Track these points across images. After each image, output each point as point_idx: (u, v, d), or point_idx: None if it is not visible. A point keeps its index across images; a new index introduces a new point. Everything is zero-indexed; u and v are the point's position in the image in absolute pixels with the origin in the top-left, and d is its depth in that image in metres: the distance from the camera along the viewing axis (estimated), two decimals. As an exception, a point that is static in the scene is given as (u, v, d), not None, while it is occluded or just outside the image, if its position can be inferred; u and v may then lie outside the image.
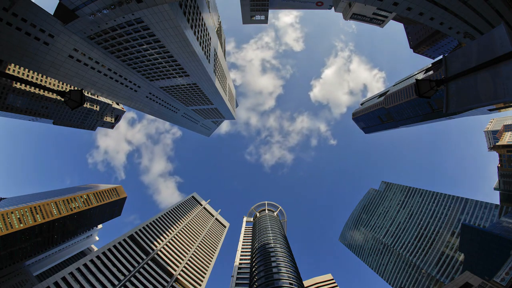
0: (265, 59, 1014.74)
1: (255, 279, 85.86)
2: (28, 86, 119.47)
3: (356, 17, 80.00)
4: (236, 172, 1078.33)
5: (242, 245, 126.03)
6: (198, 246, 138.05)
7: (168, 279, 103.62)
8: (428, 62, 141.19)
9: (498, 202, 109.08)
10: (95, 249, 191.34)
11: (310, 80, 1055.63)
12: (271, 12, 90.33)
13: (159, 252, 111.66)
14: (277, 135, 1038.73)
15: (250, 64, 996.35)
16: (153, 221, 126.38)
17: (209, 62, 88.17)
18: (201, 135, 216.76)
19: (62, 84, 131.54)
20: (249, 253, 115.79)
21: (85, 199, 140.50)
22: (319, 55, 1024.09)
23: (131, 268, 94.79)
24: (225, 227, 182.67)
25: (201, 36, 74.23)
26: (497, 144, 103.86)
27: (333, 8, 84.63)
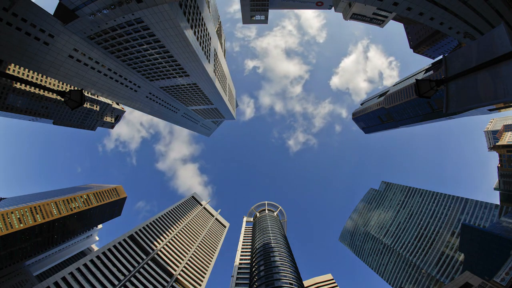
0: (289, 46, 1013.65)
1: (255, 279, 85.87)
2: (28, 86, 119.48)
3: (356, 17, 79.96)
4: (236, 171, 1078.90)
5: (242, 245, 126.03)
6: (198, 246, 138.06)
7: (168, 279, 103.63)
8: (430, 61, 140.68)
9: (498, 202, 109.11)
10: (95, 249, 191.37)
11: (332, 69, 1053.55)
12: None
13: (159, 252, 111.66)
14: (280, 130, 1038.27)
15: (274, 49, 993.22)
16: (153, 221, 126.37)
17: (209, 62, 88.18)
18: (201, 135, 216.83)
19: (62, 84, 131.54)
20: (249, 253, 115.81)
21: (85, 199, 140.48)
22: (340, 44, 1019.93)
23: (131, 268, 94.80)
24: (225, 227, 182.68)
25: (201, 36, 74.23)
26: (497, 144, 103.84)
27: (333, 8, 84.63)
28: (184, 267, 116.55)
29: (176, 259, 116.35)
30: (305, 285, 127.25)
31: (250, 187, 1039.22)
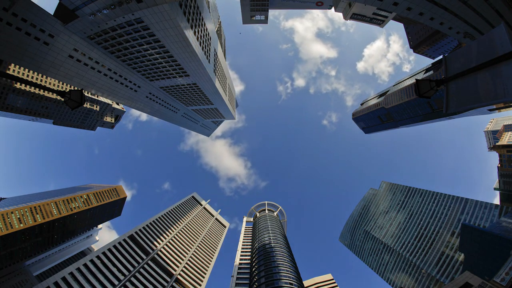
0: (320, 29, 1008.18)
1: (255, 279, 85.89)
2: (28, 86, 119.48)
3: (356, 17, 79.99)
4: (236, 171, 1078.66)
5: (242, 245, 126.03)
6: (198, 246, 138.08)
7: (168, 279, 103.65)
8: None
9: (498, 202, 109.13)
10: (95, 249, 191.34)
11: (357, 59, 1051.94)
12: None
13: (159, 252, 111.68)
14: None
15: (305, 32, 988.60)
16: (153, 221, 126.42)
17: (209, 62, 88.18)
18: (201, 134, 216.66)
19: (62, 84, 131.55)
20: (249, 253, 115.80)
21: (85, 199, 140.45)
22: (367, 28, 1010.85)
23: (131, 268, 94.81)
24: (225, 227, 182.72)
25: (201, 36, 74.23)
26: (497, 144, 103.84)
27: (333, 8, 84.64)
28: (184, 267, 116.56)
29: (176, 259, 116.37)
30: (305, 285, 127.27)
31: (250, 187, 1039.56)
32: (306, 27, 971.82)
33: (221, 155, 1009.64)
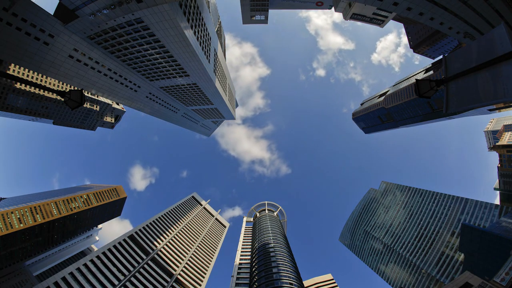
0: (335, 22, 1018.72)
1: (255, 279, 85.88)
2: (28, 86, 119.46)
3: (356, 17, 79.97)
4: (237, 170, 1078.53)
5: (242, 245, 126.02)
6: (198, 246, 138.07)
7: (168, 279, 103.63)
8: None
9: (498, 202, 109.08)
10: (95, 249, 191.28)
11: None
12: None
13: (159, 252, 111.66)
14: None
15: (322, 22, 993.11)
16: (153, 221, 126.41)
17: (209, 62, 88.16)
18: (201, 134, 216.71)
19: (62, 84, 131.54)
20: (249, 253, 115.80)
21: (85, 199, 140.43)
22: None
23: (131, 268, 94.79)
24: (225, 227, 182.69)
25: (201, 36, 74.22)
26: (497, 144, 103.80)
27: (333, 8, 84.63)
28: (184, 267, 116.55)
29: (176, 259, 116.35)
30: (305, 285, 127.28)
31: (250, 187, 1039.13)
32: (324, 19, 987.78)
33: (240, 140, 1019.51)
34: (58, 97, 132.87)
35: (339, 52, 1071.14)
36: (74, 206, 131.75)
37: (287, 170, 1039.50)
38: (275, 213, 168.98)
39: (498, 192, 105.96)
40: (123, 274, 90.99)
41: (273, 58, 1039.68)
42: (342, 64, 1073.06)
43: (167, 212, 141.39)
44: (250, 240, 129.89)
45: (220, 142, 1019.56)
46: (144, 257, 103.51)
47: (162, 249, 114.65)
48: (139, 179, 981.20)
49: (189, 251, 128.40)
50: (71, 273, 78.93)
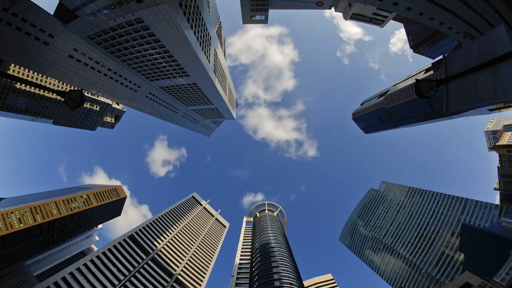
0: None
1: (255, 279, 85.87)
2: (28, 86, 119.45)
3: (356, 17, 79.97)
4: (236, 170, 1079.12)
5: (242, 245, 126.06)
6: (198, 246, 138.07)
7: (168, 279, 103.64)
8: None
9: (498, 202, 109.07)
10: (95, 249, 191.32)
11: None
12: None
13: (159, 252, 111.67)
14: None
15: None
16: (153, 221, 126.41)
17: (209, 62, 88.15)
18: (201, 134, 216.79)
19: (62, 84, 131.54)
20: (249, 253, 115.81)
21: (85, 199, 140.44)
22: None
23: (131, 268, 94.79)
24: (225, 227, 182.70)
25: (201, 36, 74.21)
26: (497, 144, 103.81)
27: (333, 8, 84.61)
28: (184, 267, 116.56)
29: (176, 259, 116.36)
30: (305, 285, 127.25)
31: (251, 187, 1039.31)
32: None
33: (264, 121, 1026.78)
34: (58, 97, 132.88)
35: (358, 42, 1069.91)
36: (74, 206, 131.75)
37: (315, 153, 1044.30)
38: (275, 213, 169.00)
39: (498, 192, 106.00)
40: (123, 274, 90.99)
41: (301, 43, 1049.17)
42: (363, 53, 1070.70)
43: (167, 212, 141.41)
44: (250, 240, 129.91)
45: (243, 124, 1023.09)
46: (144, 257, 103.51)
47: (162, 249, 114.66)
48: (159, 165, 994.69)
49: (189, 251, 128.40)
50: (71, 273, 78.96)
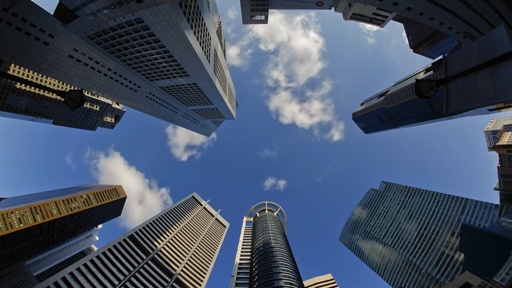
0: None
1: (255, 279, 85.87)
2: (28, 86, 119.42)
3: (356, 17, 79.98)
4: (236, 170, 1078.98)
5: (242, 245, 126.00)
6: (198, 246, 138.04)
7: (168, 279, 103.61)
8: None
9: (498, 202, 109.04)
10: (95, 249, 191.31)
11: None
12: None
13: (159, 252, 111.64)
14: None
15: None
16: (153, 221, 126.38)
17: (209, 62, 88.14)
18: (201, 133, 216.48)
19: (62, 84, 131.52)
20: (249, 253, 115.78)
21: (85, 199, 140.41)
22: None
23: (131, 268, 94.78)
24: (225, 227, 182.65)
25: (201, 36, 74.20)
26: (497, 144, 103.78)
27: (333, 8, 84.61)
28: (184, 267, 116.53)
29: (176, 259, 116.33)
30: (305, 285, 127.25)
31: (250, 187, 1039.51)
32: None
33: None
34: (58, 97, 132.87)
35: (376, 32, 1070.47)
36: (74, 206, 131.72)
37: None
38: (275, 213, 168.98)
39: (498, 192, 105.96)
40: (123, 274, 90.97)
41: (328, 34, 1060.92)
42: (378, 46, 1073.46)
43: (167, 212, 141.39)
44: (250, 240, 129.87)
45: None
46: (144, 257, 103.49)
47: (162, 249, 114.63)
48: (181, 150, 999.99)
49: (189, 251, 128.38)
50: (71, 273, 78.94)
